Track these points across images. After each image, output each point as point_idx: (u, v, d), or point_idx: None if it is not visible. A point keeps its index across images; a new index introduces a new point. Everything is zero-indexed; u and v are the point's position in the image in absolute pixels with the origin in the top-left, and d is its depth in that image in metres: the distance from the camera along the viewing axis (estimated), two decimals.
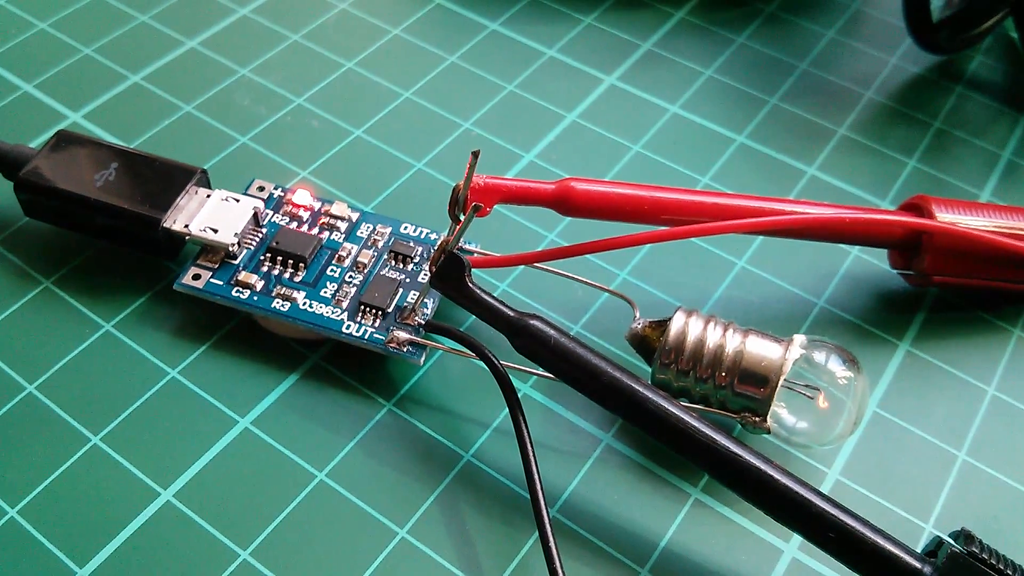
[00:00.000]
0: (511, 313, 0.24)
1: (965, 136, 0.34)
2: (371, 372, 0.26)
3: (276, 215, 0.28)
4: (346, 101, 0.33)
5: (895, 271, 0.29)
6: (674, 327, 0.25)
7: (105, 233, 0.28)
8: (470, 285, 0.24)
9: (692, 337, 0.24)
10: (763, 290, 0.29)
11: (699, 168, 0.32)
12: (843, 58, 0.36)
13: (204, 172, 0.28)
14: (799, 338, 0.24)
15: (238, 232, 0.27)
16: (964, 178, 0.32)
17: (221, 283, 0.26)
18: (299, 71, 0.34)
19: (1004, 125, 0.34)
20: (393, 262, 0.27)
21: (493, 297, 0.24)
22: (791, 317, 0.28)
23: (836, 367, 0.24)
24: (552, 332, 0.23)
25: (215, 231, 0.27)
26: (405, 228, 0.28)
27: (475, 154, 0.24)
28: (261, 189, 0.29)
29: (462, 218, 0.24)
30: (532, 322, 0.23)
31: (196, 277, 0.26)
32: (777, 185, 0.32)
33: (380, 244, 0.28)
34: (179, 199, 0.27)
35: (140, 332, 0.27)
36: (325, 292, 0.26)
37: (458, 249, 0.25)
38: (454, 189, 0.25)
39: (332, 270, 0.27)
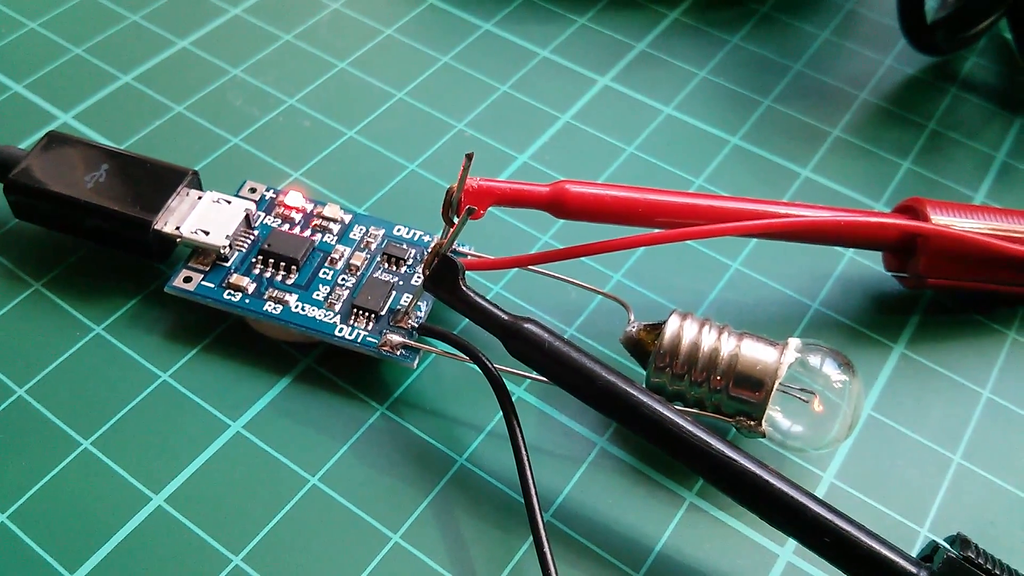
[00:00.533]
0: (505, 317, 0.24)
1: (959, 138, 0.34)
2: (364, 375, 0.26)
3: (268, 217, 0.28)
4: (339, 102, 0.33)
5: (889, 273, 0.29)
6: (669, 330, 0.24)
7: (96, 235, 0.27)
8: (464, 288, 0.24)
9: (687, 341, 0.24)
10: (757, 292, 0.29)
11: (693, 170, 0.32)
12: (837, 59, 0.36)
13: (195, 173, 0.28)
14: (794, 341, 0.24)
15: (230, 234, 0.27)
16: (958, 180, 0.32)
17: (212, 286, 0.26)
18: (291, 71, 0.34)
19: (998, 126, 0.34)
20: (386, 264, 0.27)
21: (487, 300, 0.24)
22: (786, 319, 0.28)
23: (831, 370, 0.24)
24: (546, 336, 0.23)
25: (206, 233, 0.27)
26: (398, 230, 0.28)
27: (469, 156, 0.24)
28: (253, 191, 0.29)
29: (456, 221, 0.24)
30: (526, 326, 0.23)
31: (187, 280, 0.26)
32: (771, 187, 0.32)
33: (373, 246, 0.27)
34: (170, 201, 0.27)
35: (131, 335, 0.27)
36: (317, 295, 0.26)
37: (451, 252, 0.25)
38: (447, 191, 0.24)
39: (325, 272, 0.27)
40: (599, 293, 0.27)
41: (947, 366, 0.28)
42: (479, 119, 0.33)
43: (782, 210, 0.26)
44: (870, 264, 0.30)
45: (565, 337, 0.23)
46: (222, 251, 0.26)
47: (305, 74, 0.34)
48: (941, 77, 0.36)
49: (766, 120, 0.34)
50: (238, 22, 0.36)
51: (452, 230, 0.24)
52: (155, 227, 0.26)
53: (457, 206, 0.24)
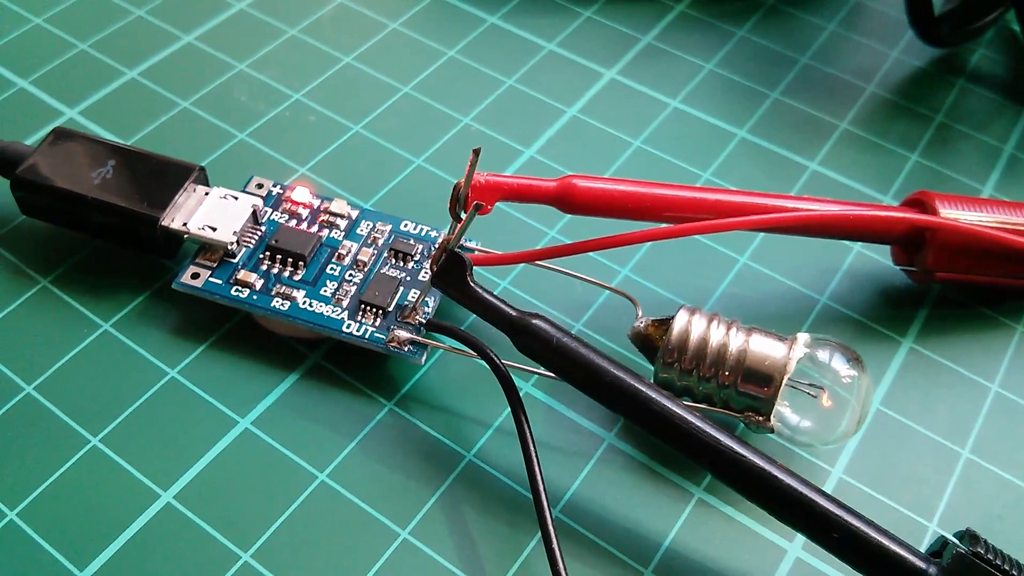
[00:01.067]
0: (513, 313, 0.24)
1: (967, 130, 0.34)
2: (372, 371, 0.26)
3: (275, 213, 0.28)
4: (344, 96, 0.33)
5: (898, 267, 0.29)
6: (677, 326, 0.24)
7: (103, 231, 0.27)
8: (471, 284, 0.24)
9: (695, 336, 0.24)
10: (765, 287, 0.29)
11: (700, 163, 0.32)
12: (844, 51, 0.36)
13: (202, 169, 0.28)
14: (803, 336, 0.24)
15: (237, 230, 0.27)
16: (966, 173, 0.32)
17: (220, 282, 0.26)
18: (296, 66, 0.34)
19: (1006, 119, 0.34)
20: (393, 260, 0.27)
21: (495, 296, 0.24)
22: (794, 314, 0.28)
23: (840, 365, 0.24)
24: (554, 332, 0.23)
25: (214, 229, 0.27)
26: (405, 225, 0.28)
27: (476, 152, 0.24)
28: (260, 186, 0.28)
29: (463, 216, 0.24)
30: (534, 322, 0.23)
31: (195, 276, 0.26)
32: (779, 180, 0.32)
33: (380, 242, 0.27)
34: (177, 197, 0.27)
35: (139, 331, 0.27)
36: (325, 291, 0.26)
37: (459, 248, 0.25)
38: (455, 187, 0.24)
39: (332, 268, 0.27)
40: (607, 288, 0.27)
41: (956, 360, 0.28)
42: (485, 113, 0.33)
43: (790, 204, 0.26)
44: (878, 258, 0.30)
45: (573, 333, 0.23)
46: (229, 247, 0.26)
47: (310, 69, 0.34)
48: (948, 69, 0.36)
49: (773, 113, 0.34)
50: (243, 16, 0.36)
51: (460, 226, 0.24)
52: (162, 223, 0.26)
53: (464, 202, 0.24)
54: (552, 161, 0.32)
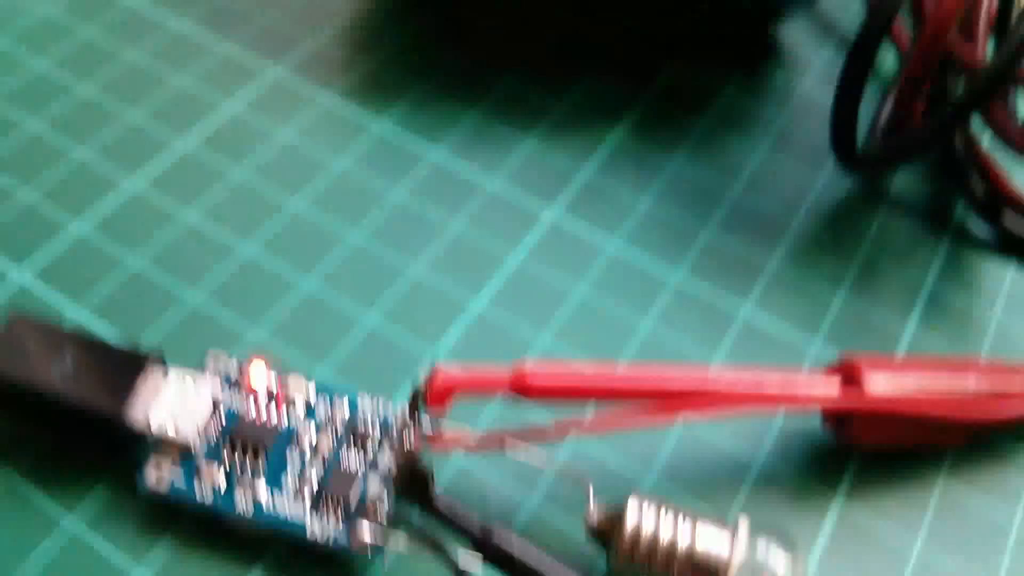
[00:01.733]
0: (477, 525, 0.25)
1: (889, 264, 0.35)
2: (336, 570, 0.27)
3: (234, 397, 0.28)
4: (290, 248, 0.34)
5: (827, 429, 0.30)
6: (629, 523, 0.26)
7: (61, 427, 0.28)
8: (434, 496, 0.25)
9: (646, 532, 0.26)
10: (702, 453, 0.30)
11: (638, 312, 0.33)
12: (773, 181, 0.38)
13: (160, 356, 0.28)
14: (743, 524, 0.26)
15: (198, 424, 0.27)
16: (891, 308, 0.34)
17: (182, 484, 0.27)
18: (239, 215, 0.34)
19: (926, 249, 0.36)
20: (352, 444, 0.28)
21: (460, 509, 0.25)
22: (728, 480, 0.30)
23: (776, 557, 0.26)
24: (515, 547, 0.24)
25: (175, 425, 0.27)
26: (362, 398, 0.28)
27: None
28: (217, 360, 0.29)
29: (422, 420, 0.25)
30: (497, 534, 0.25)
31: (157, 479, 0.27)
32: (711, 331, 0.33)
33: (338, 421, 0.28)
34: (136, 388, 0.27)
35: (104, 530, 0.27)
36: (286, 486, 0.27)
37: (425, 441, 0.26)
38: (412, 395, 0.25)
39: (292, 460, 0.27)
40: (558, 471, 0.28)
41: (885, 517, 0.29)
42: (433, 261, 0.34)
43: (713, 382, 0.27)
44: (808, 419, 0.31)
45: (535, 547, 0.25)
46: (192, 446, 0.27)
47: (254, 217, 0.34)
48: (873, 195, 0.37)
49: (706, 255, 0.35)
50: (188, 161, 0.36)
51: (416, 435, 0.25)
52: (124, 421, 0.27)
53: (423, 408, 0.25)
54: (497, 319, 0.32)
